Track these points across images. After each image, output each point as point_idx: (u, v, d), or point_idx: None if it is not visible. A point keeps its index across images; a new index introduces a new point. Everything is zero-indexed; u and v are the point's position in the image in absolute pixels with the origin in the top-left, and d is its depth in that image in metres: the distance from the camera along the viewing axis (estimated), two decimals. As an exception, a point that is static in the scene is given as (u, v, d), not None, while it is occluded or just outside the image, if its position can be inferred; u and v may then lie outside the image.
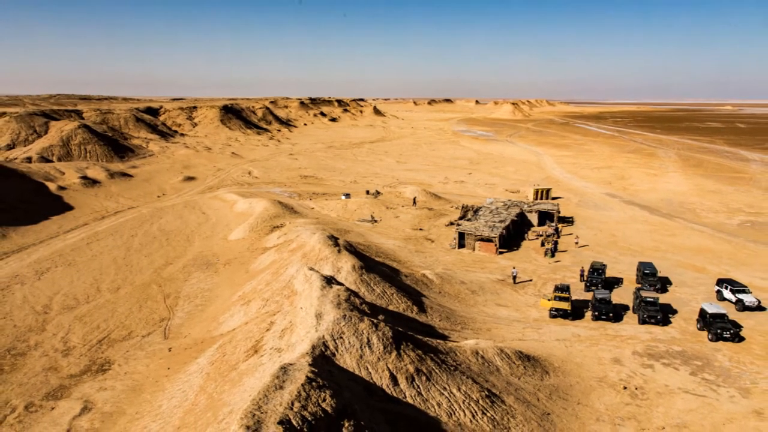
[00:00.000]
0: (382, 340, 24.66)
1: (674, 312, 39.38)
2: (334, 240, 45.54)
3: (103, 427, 24.34)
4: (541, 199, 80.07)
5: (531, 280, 46.98)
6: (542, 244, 57.34)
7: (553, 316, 38.39)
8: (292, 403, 17.38)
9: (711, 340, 34.09)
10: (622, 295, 42.91)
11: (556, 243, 56.22)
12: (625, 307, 40.41)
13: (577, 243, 57.84)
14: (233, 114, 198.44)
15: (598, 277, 44.30)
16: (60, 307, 38.58)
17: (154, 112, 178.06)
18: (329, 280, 31.77)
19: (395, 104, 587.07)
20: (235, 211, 70.31)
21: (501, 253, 55.06)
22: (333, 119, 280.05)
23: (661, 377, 29.46)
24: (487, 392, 24.51)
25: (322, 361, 22.14)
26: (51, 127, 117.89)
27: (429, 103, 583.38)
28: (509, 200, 73.43)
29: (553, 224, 65.06)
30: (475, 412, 23.00)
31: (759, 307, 39.41)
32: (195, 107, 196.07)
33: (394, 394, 22.50)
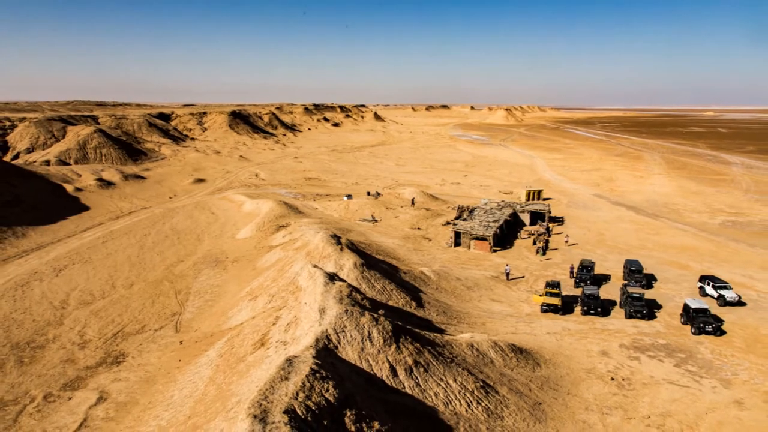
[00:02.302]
0: (382, 333, 24.66)
1: (659, 307, 39.38)
2: (336, 239, 45.53)
3: (117, 416, 24.36)
4: (533, 200, 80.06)
5: (523, 277, 46.97)
6: (534, 243, 57.33)
7: (544, 311, 38.37)
8: (297, 394, 17.39)
9: (694, 333, 34.09)
10: (609, 291, 42.90)
11: (547, 242, 56.20)
12: (613, 303, 40.38)
13: (567, 242, 57.83)
14: (241, 119, 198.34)
15: (586, 273, 44.28)
16: (77, 303, 38.58)
17: (166, 117, 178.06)
18: (332, 277, 31.75)
19: (395, 110, 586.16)
20: (243, 211, 70.30)
21: (495, 251, 55.05)
22: (335, 124, 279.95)
23: (646, 369, 29.46)
24: (481, 383, 24.51)
25: (326, 353, 22.14)
26: (68, 131, 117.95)
27: (427, 108, 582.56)
28: (503, 201, 73.40)
29: (545, 224, 65.05)
30: (471, 401, 23.00)
31: (739, 303, 39.41)
32: (205, 113, 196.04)
33: (394, 385, 22.50)
